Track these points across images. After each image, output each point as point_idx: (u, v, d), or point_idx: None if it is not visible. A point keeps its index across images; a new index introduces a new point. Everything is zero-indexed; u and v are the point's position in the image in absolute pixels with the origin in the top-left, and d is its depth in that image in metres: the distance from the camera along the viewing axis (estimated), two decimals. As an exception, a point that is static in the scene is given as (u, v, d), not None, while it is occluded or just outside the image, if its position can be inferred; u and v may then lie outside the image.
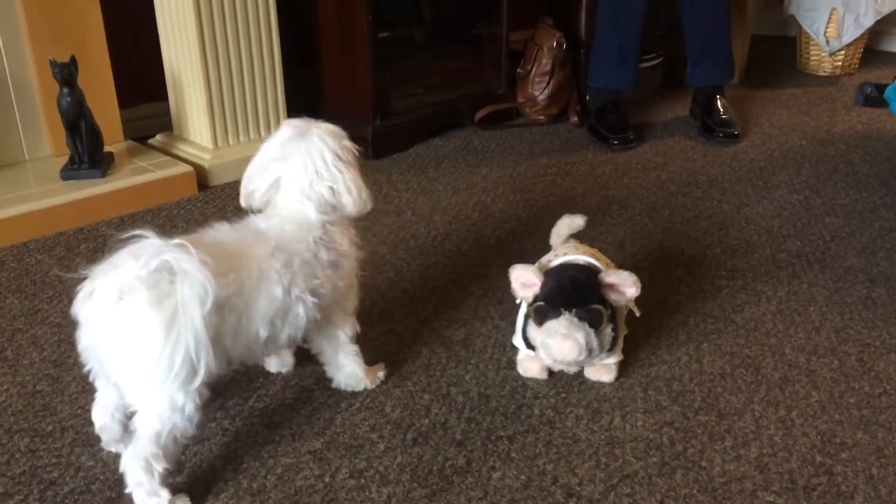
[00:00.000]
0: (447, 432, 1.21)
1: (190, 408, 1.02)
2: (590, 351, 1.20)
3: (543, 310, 1.23)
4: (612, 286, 1.24)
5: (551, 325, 1.21)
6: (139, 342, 0.96)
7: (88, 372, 1.08)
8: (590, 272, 1.26)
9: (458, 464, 1.15)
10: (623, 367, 1.32)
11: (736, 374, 1.35)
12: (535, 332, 1.25)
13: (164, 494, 1.03)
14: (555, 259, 1.33)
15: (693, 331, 1.47)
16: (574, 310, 1.20)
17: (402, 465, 1.14)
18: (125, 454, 1.03)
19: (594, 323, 1.21)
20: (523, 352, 1.34)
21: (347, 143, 1.21)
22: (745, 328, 1.48)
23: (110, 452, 1.16)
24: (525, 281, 1.27)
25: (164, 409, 1.00)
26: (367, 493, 1.09)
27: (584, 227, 1.47)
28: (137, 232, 0.99)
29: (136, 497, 1.03)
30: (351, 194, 1.17)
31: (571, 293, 1.22)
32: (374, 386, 1.30)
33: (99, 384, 1.10)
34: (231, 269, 1.05)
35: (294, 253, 1.13)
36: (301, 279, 1.13)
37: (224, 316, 1.03)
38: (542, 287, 1.25)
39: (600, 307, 1.21)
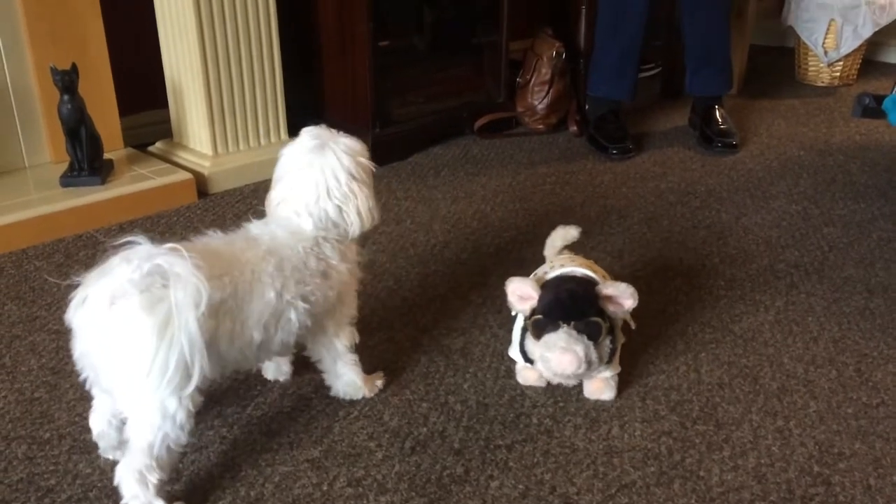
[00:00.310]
0: (445, 441, 1.21)
1: (181, 416, 1.01)
2: (589, 364, 1.20)
3: (542, 323, 1.22)
4: (609, 298, 1.24)
5: (550, 338, 1.20)
6: (132, 347, 0.95)
7: (85, 380, 1.08)
8: (587, 284, 1.26)
9: (456, 472, 1.15)
10: (621, 377, 1.32)
11: (734, 383, 1.35)
12: (533, 345, 1.25)
13: None
14: (550, 271, 1.32)
15: (691, 340, 1.47)
16: (573, 323, 1.20)
17: (400, 474, 1.14)
18: (119, 466, 1.03)
19: (593, 336, 1.20)
20: (521, 363, 1.34)
21: (364, 160, 1.20)
22: (743, 338, 1.48)
23: (108, 460, 1.16)
24: (522, 294, 1.26)
25: (156, 418, 1.00)
26: (366, 502, 1.09)
27: (578, 237, 1.47)
28: (129, 238, 0.98)
29: None
30: (360, 216, 1.18)
31: (570, 306, 1.21)
32: (372, 394, 1.30)
33: (96, 391, 1.10)
34: (225, 273, 1.05)
35: (285, 258, 1.13)
36: (292, 284, 1.13)
37: (220, 319, 1.03)
38: (540, 300, 1.24)
39: (599, 320, 1.21)
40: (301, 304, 1.14)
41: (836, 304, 1.59)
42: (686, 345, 1.46)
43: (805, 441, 1.21)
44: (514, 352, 1.34)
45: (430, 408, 1.28)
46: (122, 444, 1.10)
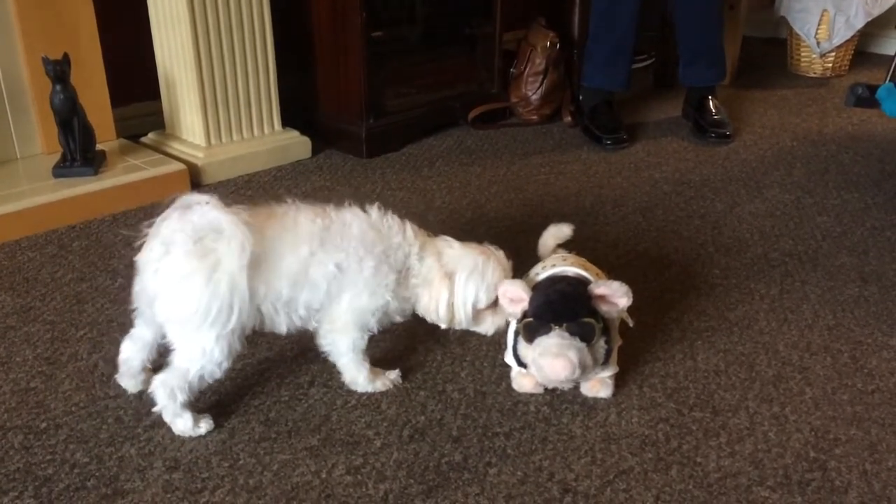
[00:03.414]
0: (443, 429, 1.21)
1: (218, 354, 1.12)
2: (583, 367, 1.17)
3: (533, 326, 1.19)
4: (602, 297, 1.20)
5: (542, 342, 1.17)
6: (182, 288, 1.08)
7: (133, 311, 1.21)
8: (579, 284, 1.22)
9: (454, 460, 1.15)
10: (619, 364, 1.32)
11: (730, 371, 1.36)
12: (525, 349, 1.22)
13: (188, 416, 1.17)
14: (542, 272, 1.29)
15: (687, 328, 1.48)
16: (564, 324, 1.17)
17: (398, 462, 1.14)
18: (157, 378, 1.15)
19: (586, 337, 1.17)
20: (516, 369, 1.30)
21: (490, 286, 1.23)
22: (738, 326, 1.49)
23: (104, 449, 1.15)
24: (513, 296, 1.23)
25: (196, 353, 1.12)
26: (364, 490, 1.09)
27: (571, 236, 1.42)
28: (194, 196, 1.12)
29: (164, 416, 1.17)
30: (430, 310, 1.24)
31: (561, 307, 1.18)
32: (382, 389, 1.29)
33: (138, 323, 1.23)
34: (269, 228, 1.16)
35: (337, 222, 1.20)
36: (330, 245, 1.18)
37: (258, 269, 1.12)
38: (531, 302, 1.21)
39: (591, 320, 1.17)
40: (331, 269, 1.17)
41: (830, 293, 1.60)
42: (682, 333, 1.46)
43: (801, 427, 1.22)
44: (508, 357, 1.31)
45: (427, 396, 1.29)
46: (139, 374, 1.26)
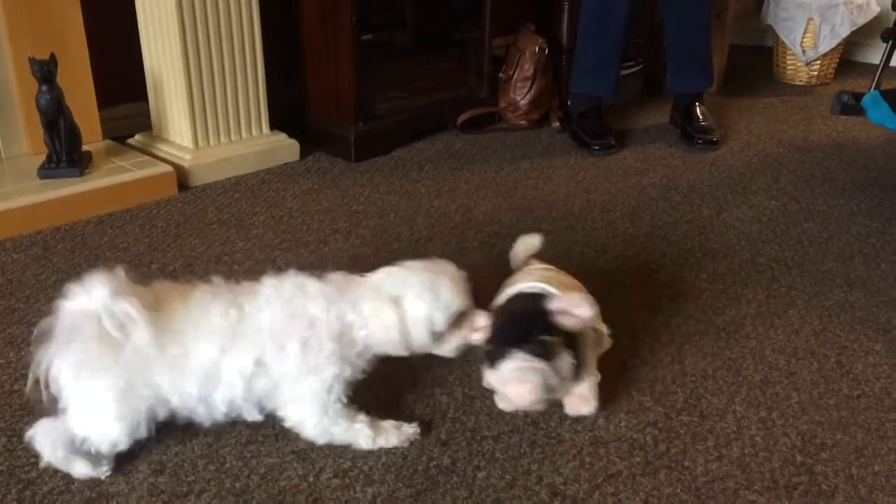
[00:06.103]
0: (432, 432, 1.21)
1: (117, 433, 1.06)
2: (549, 388, 1.09)
3: (493, 353, 1.12)
4: (561, 311, 1.11)
5: (503, 368, 1.09)
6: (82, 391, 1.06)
7: None
8: (533, 301, 1.15)
9: (442, 463, 1.14)
10: (607, 368, 1.31)
11: (717, 375, 1.36)
12: (491, 376, 1.15)
13: (78, 461, 1.09)
14: (508, 290, 1.23)
15: (675, 333, 1.48)
16: (522, 346, 1.08)
17: (386, 465, 1.14)
18: (36, 425, 1.09)
19: (544, 356, 1.08)
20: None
21: (442, 310, 1.12)
22: (725, 330, 1.49)
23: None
24: (476, 324, 1.15)
25: (80, 414, 1.07)
26: (352, 493, 1.09)
27: (540, 247, 1.38)
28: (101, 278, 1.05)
29: (55, 463, 1.09)
30: (379, 333, 1.12)
31: (514, 330, 1.11)
32: (397, 444, 1.17)
33: None
34: (176, 316, 1.07)
35: (250, 312, 1.09)
36: (244, 341, 1.08)
37: (160, 358, 1.06)
38: (490, 328, 1.14)
39: (547, 338, 1.09)
40: (248, 368, 1.08)
41: (816, 298, 1.61)
42: (670, 337, 1.47)
43: (788, 431, 1.23)
44: (487, 380, 1.24)
45: (415, 400, 1.28)
46: None
